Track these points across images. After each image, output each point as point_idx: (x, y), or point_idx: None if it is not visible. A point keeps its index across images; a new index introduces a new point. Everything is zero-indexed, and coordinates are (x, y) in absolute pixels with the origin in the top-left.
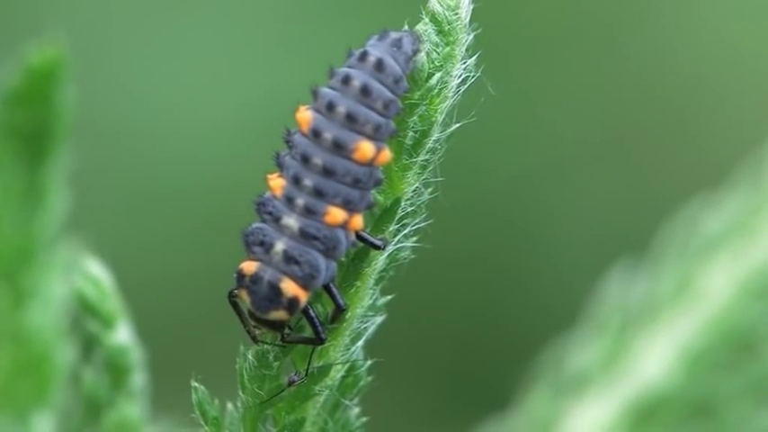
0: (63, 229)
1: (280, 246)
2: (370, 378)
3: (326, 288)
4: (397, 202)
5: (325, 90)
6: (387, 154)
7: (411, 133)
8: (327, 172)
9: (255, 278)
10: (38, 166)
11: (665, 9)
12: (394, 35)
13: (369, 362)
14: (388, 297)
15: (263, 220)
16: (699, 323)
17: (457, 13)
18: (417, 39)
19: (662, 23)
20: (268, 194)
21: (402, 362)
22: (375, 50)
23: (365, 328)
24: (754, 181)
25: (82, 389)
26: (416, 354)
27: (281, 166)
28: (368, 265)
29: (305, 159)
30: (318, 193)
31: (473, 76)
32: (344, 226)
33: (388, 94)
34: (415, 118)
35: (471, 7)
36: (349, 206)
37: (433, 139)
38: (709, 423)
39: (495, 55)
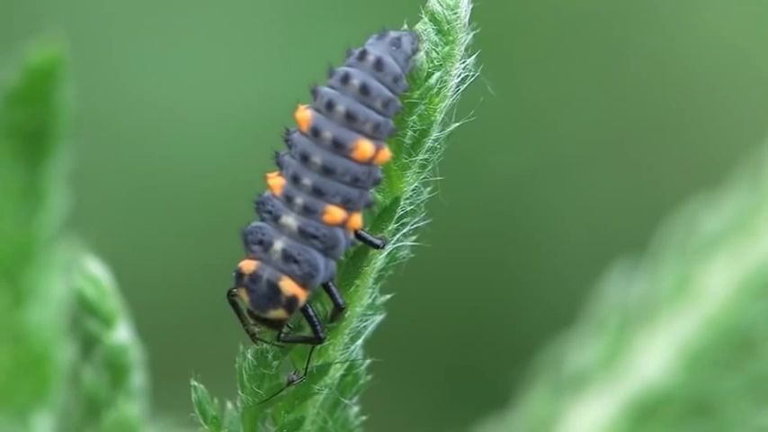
0: (63, 228)
1: (279, 245)
2: (369, 377)
3: (326, 287)
4: (396, 201)
5: (324, 89)
6: (386, 153)
7: (410, 132)
8: (327, 171)
9: (254, 277)
10: (37, 166)
11: (666, 9)
12: (393, 34)
13: (368, 361)
14: (388, 296)
15: (263, 219)
16: (698, 322)
17: (456, 13)
18: (417, 38)
19: (662, 23)
20: (267, 193)
21: (401, 361)
22: (374, 49)
23: (364, 327)
24: (753, 180)
25: (81, 388)
26: (416, 353)
27: (280, 165)
28: (367, 264)
29: (304, 158)
30: (317, 192)
31: (472, 76)
32: (344, 225)
33: (388, 93)
34: (414, 117)
35: (470, 7)
36: (348, 205)
37: (433, 138)
38: (709, 422)
39: (495, 54)
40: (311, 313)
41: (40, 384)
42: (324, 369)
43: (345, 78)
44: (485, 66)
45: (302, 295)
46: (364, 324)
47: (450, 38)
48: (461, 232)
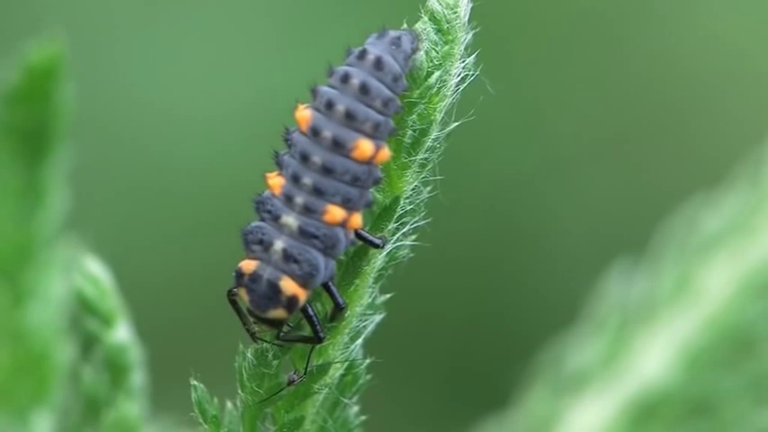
0: (62, 227)
1: (279, 244)
2: (369, 376)
3: (326, 287)
4: (396, 200)
5: (324, 88)
6: (386, 152)
7: (410, 132)
8: (326, 170)
9: (254, 277)
10: (37, 165)
11: (666, 8)
12: (393, 33)
13: (368, 360)
14: (387, 296)
15: (262, 219)
16: (698, 321)
17: (456, 12)
18: (416, 37)
19: (662, 23)
20: (267, 193)
21: (401, 360)
22: (374, 49)
23: (364, 327)
24: (753, 180)
25: (81, 387)
26: (415, 352)
27: (280, 165)
28: (367, 263)
29: (304, 158)
30: (317, 192)
31: (472, 75)
32: (343, 224)
33: (388, 93)
34: (414, 116)
35: (470, 6)
36: (348, 204)
37: (432, 137)
38: (709, 421)
39: (495, 53)
40: (311, 313)
41: (40, 384)
42: (323, 368)
43: (345, 78)
44: (484, 65)
45: (302, 295)
46: (364, 323)
47: (450, 37)
48: (461, 232)
